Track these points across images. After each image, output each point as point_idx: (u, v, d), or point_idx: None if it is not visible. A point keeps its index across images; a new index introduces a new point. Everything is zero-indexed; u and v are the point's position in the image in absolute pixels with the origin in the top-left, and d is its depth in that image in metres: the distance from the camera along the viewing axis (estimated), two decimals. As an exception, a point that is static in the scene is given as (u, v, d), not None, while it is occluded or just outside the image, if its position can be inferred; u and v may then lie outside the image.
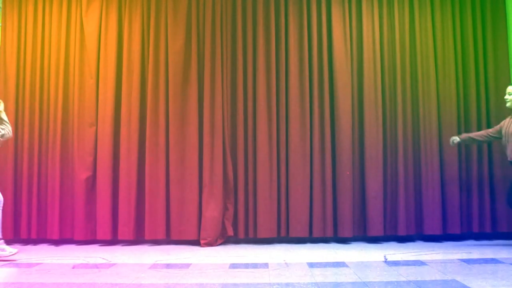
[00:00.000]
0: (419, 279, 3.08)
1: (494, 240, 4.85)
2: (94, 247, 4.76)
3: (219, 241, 4.82)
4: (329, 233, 4.81)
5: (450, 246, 4.56)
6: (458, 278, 3.06)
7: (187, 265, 3.75)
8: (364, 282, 3.01)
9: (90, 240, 4.89)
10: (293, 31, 5.05)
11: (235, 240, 4.94)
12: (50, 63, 5.07)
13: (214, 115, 4.91)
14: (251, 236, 4.88)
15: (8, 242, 4.92)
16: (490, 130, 4.65)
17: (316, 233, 4.82)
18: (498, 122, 5.00)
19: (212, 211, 4.77)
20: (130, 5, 5.08)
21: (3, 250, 4.01)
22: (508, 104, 4.46)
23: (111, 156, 4.91)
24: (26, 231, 4.87)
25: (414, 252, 4.21)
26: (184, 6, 5.05)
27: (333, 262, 3.78)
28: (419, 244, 4.73)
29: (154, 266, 3.72)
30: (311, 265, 3.68)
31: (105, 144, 4.91)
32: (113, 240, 4.90)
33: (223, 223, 4.84)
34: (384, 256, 4.01)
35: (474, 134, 4.69)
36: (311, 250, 4.43)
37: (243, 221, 4.87)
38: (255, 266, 3.70)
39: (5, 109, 4.99)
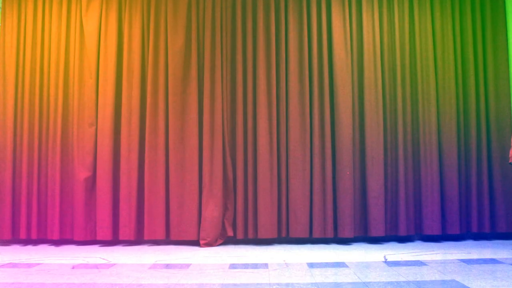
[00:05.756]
0: (418, 279, 3.08)
1: (493, 240, 4.86)
2: (94, 248, 4.75)
3: (219, 242, 4.82)
4: (330, 233, 4.80)
5: (450, 246, 4.56)
6: (458, 278, 3.07)
7: (187, 265, 3.75)
8: (364, 283, 3.01)
9: (90, 240, 4.89)
10: (293, 31, 5.05)
11: (234, 240, 4.94)
12: (50, 63, 5.07)
13: (214, 115, 4.91)
14: (251, 237, 4.87)
15: (7, 242, 4.94)
16: None
17: (316, 234, 4.82)
18: (497, 123, 5.02)
19: (212, 211, 4.78)
20: (130, 5, 5.08)
21: None
22: None
23: (111, 156, 4.91)
24: (25, 231, 4.86)
25: (413, 252, 4.22)
26: (184, 6, 5.05)
27: (333, 263, 3.79)
28: (419, 244, 4.73)
29: (154, 266, 3.72)
30: (311, 265, 3.68)
31: (105, 144, 4.91)
32: (113, 241, 4.90)
33: (223, 223, 4.84)
34: (384, 256, 4.02)
35: None
36: (311, 251, 4.44)
37: (242, 222, 4.87)
38: (255, 266, 3.70)
39: (4, 110, 5.03)
